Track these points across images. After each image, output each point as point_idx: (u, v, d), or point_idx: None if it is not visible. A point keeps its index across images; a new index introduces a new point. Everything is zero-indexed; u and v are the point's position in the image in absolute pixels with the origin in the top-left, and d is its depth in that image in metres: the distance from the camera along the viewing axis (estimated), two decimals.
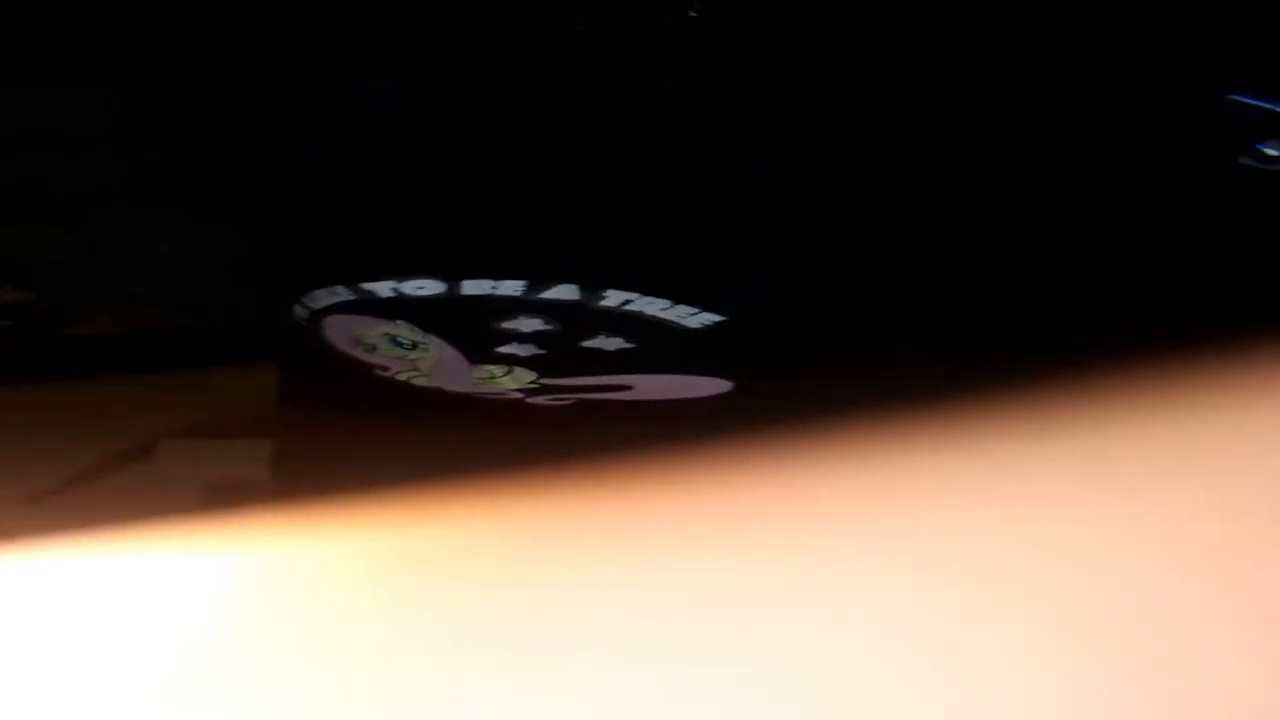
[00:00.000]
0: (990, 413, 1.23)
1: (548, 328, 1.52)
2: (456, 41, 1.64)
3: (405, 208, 1.60)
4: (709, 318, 1.48)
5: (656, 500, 1.13)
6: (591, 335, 1.52)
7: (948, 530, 1.08)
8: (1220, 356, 1.34)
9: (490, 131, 1.58)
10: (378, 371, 1.58)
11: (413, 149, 1.62)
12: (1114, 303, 1.49)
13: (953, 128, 1.75)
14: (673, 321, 1.49)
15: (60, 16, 1.65)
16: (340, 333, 1.58)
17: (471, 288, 1.51)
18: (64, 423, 1.35)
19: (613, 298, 1.50)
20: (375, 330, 1.57)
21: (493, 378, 1.53)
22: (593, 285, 1.50)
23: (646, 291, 1.49)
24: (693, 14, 1.48)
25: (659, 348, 1.50)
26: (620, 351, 1.52)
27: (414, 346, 1.56)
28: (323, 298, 1.56)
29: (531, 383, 1.52)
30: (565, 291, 1.50)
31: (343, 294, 1.55)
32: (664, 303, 1.49)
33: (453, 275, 1.52)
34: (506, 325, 1.52)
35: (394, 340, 1.57)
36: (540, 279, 1.50)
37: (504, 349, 1.54)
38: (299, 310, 1.56)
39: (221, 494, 1.18)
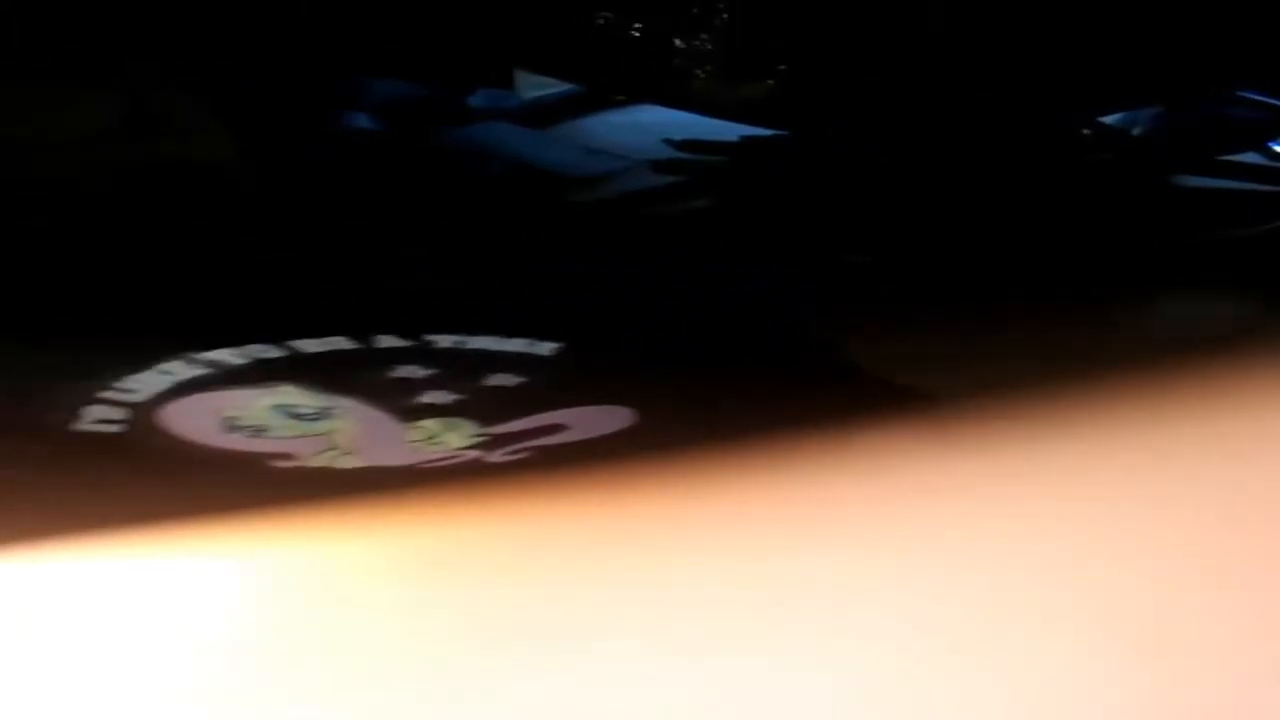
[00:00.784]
0: (1014, 409, 1.24)
1: (433, 372, 1.30)
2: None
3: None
4: (549, 345, 1.35)
5: (687, 497, 1.13)
6: (480, 375, 1.31)
7: (965, 527, 1.09)
8: (1241, 350, 1.35)
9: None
10: (277, 463, 1.19)
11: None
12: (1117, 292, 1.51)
13: (950, 126, 1.77)
14: (522, 352, 1.34)
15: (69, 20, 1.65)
16: (192, 421, 1.21)
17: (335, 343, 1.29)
18: None
19: (442, 340, 1.34)
20: (254, 405, 1.22)
21: (431, 437, 1.21)
22: (412, 332, 1.35)
23: (470, 332, 1.36)
24: None
25: (539, 379, 1.31)
26: (519, 387, 1.30)
27: (319, 416, 1.23)
28: (147, 382, 1.23)
29: (476, 435, 1.21)
30: (394, 341, 1.33)
31: (178, 371, 1.24)
32: (494, 339, 1.35)
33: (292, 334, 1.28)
34: (400, 374, 1.30)
35: (289, 413, 1.21)
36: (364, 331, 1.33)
37: (421, 399, 1.26)
38: (102, 411, 1.22)
39: (242, 494, 1.15)
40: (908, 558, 1.01)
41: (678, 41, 1.69)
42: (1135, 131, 1.93)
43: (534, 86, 2.03)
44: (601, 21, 1.68)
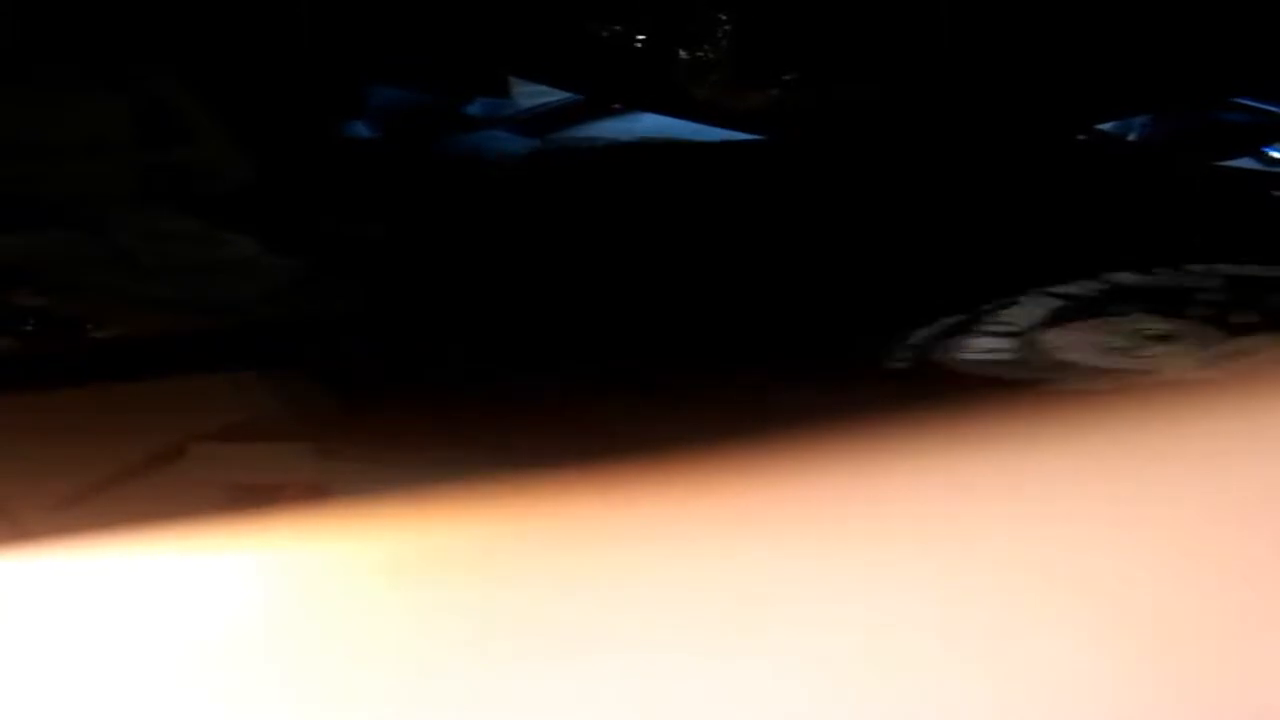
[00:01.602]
0: (1016, 409, 1.24)
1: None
2: None
3: None
4: None
5: (695, 495, 1.13)
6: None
7: (965, 526, 1.09)
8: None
9: None
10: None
11: None
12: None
13: (948, 133, 1.78)
14: None
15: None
16: (1076, 348, 1.38)
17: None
18: (93, 426, 1.34)
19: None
20: (1119, 330, 1.40)
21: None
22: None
23: None
24: None
25: None
26: None
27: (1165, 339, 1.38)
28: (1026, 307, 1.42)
29: None
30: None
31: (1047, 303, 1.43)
32: None
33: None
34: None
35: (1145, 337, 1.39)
36: None
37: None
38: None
39: (253, 496, 1.17)
40: (907, 558, 1.02)
41: (682, 53, 1.70)
42: (1131, 137, 1.94)
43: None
44: (606, 34, 1.69)
